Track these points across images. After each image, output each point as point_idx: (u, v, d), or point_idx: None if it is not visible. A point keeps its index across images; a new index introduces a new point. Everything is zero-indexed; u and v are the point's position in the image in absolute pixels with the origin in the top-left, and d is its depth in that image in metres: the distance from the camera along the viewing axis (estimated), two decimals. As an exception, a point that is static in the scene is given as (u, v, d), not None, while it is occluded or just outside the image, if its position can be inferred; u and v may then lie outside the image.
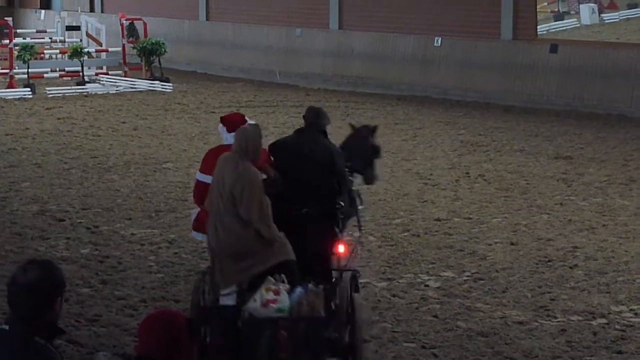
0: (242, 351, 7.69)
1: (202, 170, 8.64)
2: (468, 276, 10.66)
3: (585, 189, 14.73)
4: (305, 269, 8.08)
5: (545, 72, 24.16)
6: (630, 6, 23.41)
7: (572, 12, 24.38)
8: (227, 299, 7.91)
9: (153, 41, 25.62)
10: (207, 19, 30.91)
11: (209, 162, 8.48)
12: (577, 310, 9.57)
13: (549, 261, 11.14)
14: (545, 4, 24.70)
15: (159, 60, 25.85)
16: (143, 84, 25.26)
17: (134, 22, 27.00)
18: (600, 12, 23.98)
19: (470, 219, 13.00)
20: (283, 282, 7.92)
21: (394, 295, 10.10)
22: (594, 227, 12.53)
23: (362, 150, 9.33)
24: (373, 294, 10.10)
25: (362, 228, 9.25)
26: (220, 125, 8.74)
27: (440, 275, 10.70)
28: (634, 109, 22.32)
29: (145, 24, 26.88)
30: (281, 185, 8.34)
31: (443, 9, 26.66)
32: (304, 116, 8.79)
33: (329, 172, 8.52)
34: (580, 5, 24.31)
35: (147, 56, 25.63)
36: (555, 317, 9.45)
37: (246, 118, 8.74)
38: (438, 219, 12.98)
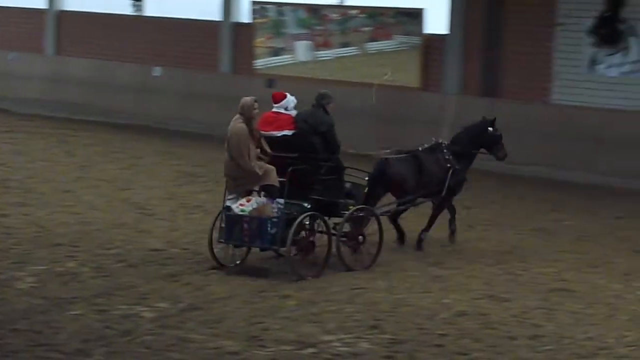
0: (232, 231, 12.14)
1: (260, 128, 12.52)
2: (183, 307, 10.70)
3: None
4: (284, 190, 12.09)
5: (263, 105, 24.60)
6: (343, 45, 24.30)
7: (288, 48, 25.04)
8: (230, 202, 12.34)
9: None
10: None
11: (263, 122, 12.59)
12: (288, 340, 9.79)
13: (262, 291, 11.34)
14: (263, 39, 25.24)
15: None
16: None
17: None
18: (315, 49, 24.75)
19: (187, 249, 13.05)
20: (264, 196, 12.22)
21: (107, 327, 9.98)
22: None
23: (478, 135, 14.17)
24: (85, 326, 9.95)
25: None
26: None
27: (155, 306, 10.67)
28: (344, 144, 23.10)
29: None
30: (268, 157, 12.31)
31: (163, 40, 26.73)
32: (315, 97, 12.80)
33: (318, 133, 12.44)
34: (296, 42, 25.01)
35: None
36: (267, 347, 9.63)
37: (286, 94, 12.75)
38: (154, 249, 12.96)
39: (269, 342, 9.74)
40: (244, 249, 12.44)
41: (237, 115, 12.39)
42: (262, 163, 12.24)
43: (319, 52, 24.71)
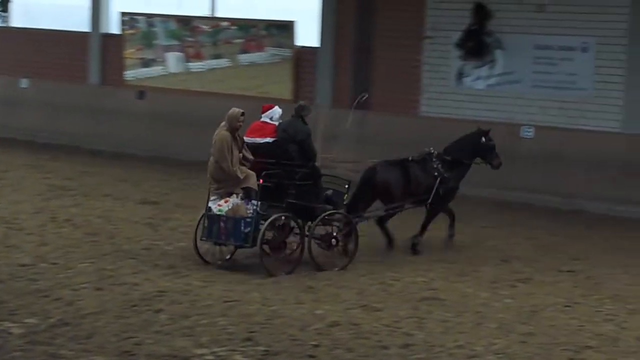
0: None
1: (246, 135, 13.65)
2: (53, 322, 10.51)
3: (171, 234, 15.04)
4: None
5: (133, 117, 24.45)
6: (215, 57, 24.26)
7: (159, 59, 24.87)
8: (211, 202, 13.33)
9: None
10: None
11: (250, 130, 13.72)
12: (160, 354, 9.71)
13: (134, 305, 11.23)
14: (133, 50, 25.01)
15: None
16: None
17: None
18: (186, 61, 24.65)
19: (57, 264, 12.84)
20: (242, 198, 13.17)
21: (-26, 345, 9.74)
22: (179, 272, 12.81)
23: (470, 145, 14.99)
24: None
25: None
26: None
27: (24, 322, 10.46)
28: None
29: None
30: (250, 163, 13.35)
31: (31, 51, 26.27)
32: (295, 108, 13.79)
33: (295, 142, 13.47)
34: (167, 54, 24.87)
35: None
36: (140, 362, 9.54)
37: (274, 105, 13.90)
38: (23, 265, 12.71)
39: (141, 357, 9.65)
40: (232, 247, 13.46)
41: (223, 123, 13.46)
42: (243, 167, 13.33)
43: (190, 64, 24.62)
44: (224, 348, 9.94)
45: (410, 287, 12.62)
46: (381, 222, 14.69)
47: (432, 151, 15.00)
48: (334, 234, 13.67)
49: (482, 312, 11.58)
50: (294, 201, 13.34)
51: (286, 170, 13.36)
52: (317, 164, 13.77)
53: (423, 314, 11.41)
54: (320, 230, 13.62)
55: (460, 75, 21.64)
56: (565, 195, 19.54)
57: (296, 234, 13.47)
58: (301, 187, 13.44)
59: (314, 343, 10.18)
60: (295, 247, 13.39)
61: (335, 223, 13.73)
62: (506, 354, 10.04)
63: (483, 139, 15.19)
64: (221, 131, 13.46)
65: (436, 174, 14.74)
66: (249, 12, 24.18)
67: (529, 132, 20.23)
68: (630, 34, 19.54)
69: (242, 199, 13.19)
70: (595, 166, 19.53)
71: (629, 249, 15.45)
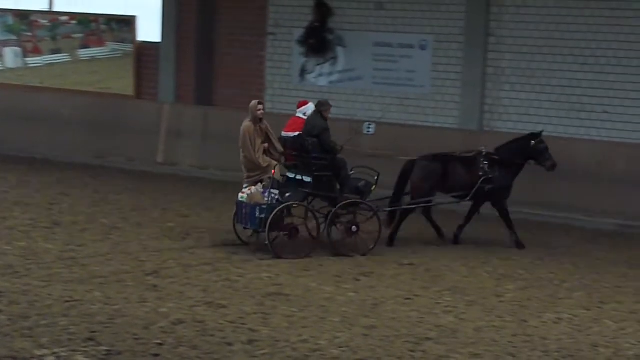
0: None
1: (283, 129, 15.03)
2: None
3: (9, 233, 14.69)
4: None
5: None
6: (54, 52, 23.80)
7: (-5, 54, 24.27)
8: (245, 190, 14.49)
9: None
10: None
11: (287, 125, 15.10)
12: (0, 356, 9.48)
13: (-29, 308, 10.93)
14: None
15: None
16: None
17: None
18: (24, 55, 24.10)
19: None
20: (265, 187, 14.31)
21: None
22: (18, 272, 12.52)
23: (520, 148, 15.52)
24: None
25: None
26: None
27: None
28: (57, 153, 22.68)
29: None
30: (279, 155, 14.71)
31: None
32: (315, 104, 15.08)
33: (313, 136, 14.59)
34: (5, 49, 24.26)
35: None
36: (-23, 365, 9.29)
37: (308, 101, 15.58)
38: None
39: (-21, 359, 9.40)
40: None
41: (249, 117, 14.69)
42: (266, 157, 14.54)
43: (28, 59, 24.07)
44: (65, 348, 9.76)
45: (255, 283, 12.64)
46: (427, 213, 15.61)
47: (483, 150, 15.52)
48: (354, 221, 14.57)
49: (326, 306, 11.69)
50: (310, 191, 14.52)
51: (304, 163, 14.60)
52: (339, 156, 14.73)
53: (268, 309, 11.45)
54: (342, 218, 14.62)
55: (303, 72, 21.80)
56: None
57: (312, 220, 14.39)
58: (319, 178, 14.48)
59: (158, 341, 10.10)
60: (308, 233, 14.33)
61: (356, 211, 14.66)
62: (349, 347, 10.16)
63: (533, 142, 15.58)
64: (244, 123, 14.63)
65: (481, 173, 15.31)
66: (89, 7, 23.79)
67: (370, 128, 20.51)
68: (467, 32, 20.02)
69: (264, 187, 14.26)
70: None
71: (466, 241, 15.82)
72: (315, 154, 14.56)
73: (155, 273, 12.90)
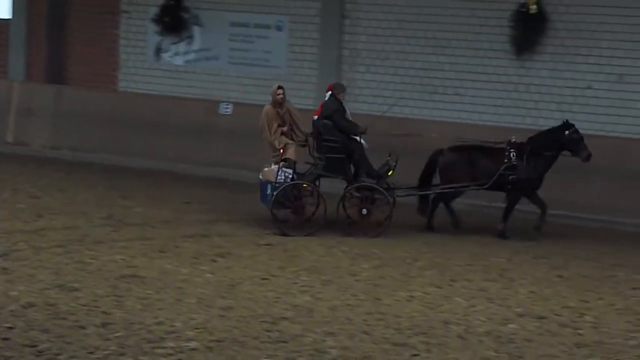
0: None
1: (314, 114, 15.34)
2: None
3: None
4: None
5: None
6: None
7: None
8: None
9: None
10: None
11: (318, 109, 15.35)
12: None
13: None
14: None
15: None
16: None
17: None
18: None
19: None
20: (280, 167, 14.97)
21: None
22: None
23: (552, 138, 15.34)
24: None
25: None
26: None
27: None
28: None
29: None
30: (302, 136, 15.34)
31: None
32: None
33: (326, 117, 15.00)
34: None
35: None
36: None
37: (331, 84, 15.64)
38: None
39: None
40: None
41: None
42: (283, 138, 15.08)
43: None
44: None
45: (109, 265, 12.47)
46: (448, 201, 15.60)
47: (513, 140, 15.42)
48: (365, 205, 14.99)
49: (183, 288, 11.62)
50: (321, 172, 15.06)
51: (316, 143, 15.08)
52: (358, 138, 15.00)
53: (122, 292, 11.30)
54: (353, 200, 15.10)
55: (159, 50, 21.56)
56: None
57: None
58: (331, 160, 14.94)
59: (7, 325, 9.87)
60: (315, 212, 15.02)
61: (368, 194, 15.03)
62: (205, 328, 10.12)
63: (567, 132, 15.35)
64: (266, 106, 15.28)
65: (506, 160, 15.23)
66: None
67: (227, 108, 20.44)
68: (322, 14, 20.11)
69: (280, 167, 14.86)
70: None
71: (324, 222, 15.93)
72: (327, 135, 14.93)
73: (5, 255, 12.59)
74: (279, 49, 20.54)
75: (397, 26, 19.55)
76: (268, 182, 15.00)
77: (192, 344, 9.63)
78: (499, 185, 15.41)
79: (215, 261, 13.08)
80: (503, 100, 18.68)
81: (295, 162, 15.06)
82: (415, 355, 9.63)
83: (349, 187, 15.12)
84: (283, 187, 14.82)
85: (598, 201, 16.60)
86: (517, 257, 14.27)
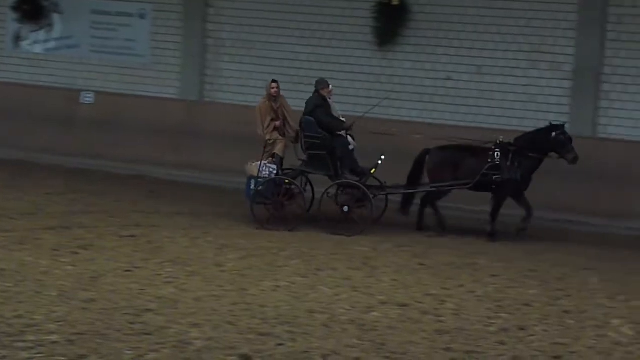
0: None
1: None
2: None
3: None
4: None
5: None
6: None
7: None
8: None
9: None
10: None
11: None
12: None
13: None
14: None
15: None
16: None
17: None
18: None
19: None
20: (269, 162, 15.13)
21: None
22: None
23: (538, 139, 15.17)
24: None
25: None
26: None
27: None
28: None
29: None
30: (293, 133, 15.31)
31: None
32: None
33: (308, 113, 15.03)
34: None
35: None
36: None
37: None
38: None
39: None
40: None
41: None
42: (275, 134, 15.21)
43: None
44: None
45: (-35, 258, 12.15)
46: (433, 201, 15.42)
47: (499, 140, 15.18)
48: (347, 202, 15.01)
49: (43, 281, 11.40)
50: (303, 169, 15.18)
51: (298, 140, 15.16)
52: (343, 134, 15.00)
53: (-20, 285, 11.04)
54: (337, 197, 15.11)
55: (18, 38, 21.09)
56: (126, 160, 19.66)
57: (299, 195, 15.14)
58: (312, 156, 14.99)
59: None
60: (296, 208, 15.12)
61: (349, 192, 15.06)
62: (67, 322, 9.95)
63: (554, 134, 15.14)
64: (260, 100, 15.49)
65: (489, 160, 15.06)
66: None
67: (88, 97, 20.13)
68: (186, 3, 19.98)
69: (264, 163, 14.99)
70: (156, 132, 19.82)
71: (189, 213, 15.85)
72: (308, 132, 14.93)
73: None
74: (142, 38, 20.31)
75: (263, 16, 19.54)
76: (252, 177, 15.09)
77: (53, 337, 9.46)
78: (484, 186, 15.34)
79: (76, 253, 12.87)
80: (366, 91, 18.85)
81: (282, 158, 15.22)
82: (279, 344, 9.65)
83: (331, 185, 15.14)
84: (264, 182, 14.98)
85: (458, 192, 16.90)
86: (380, 245, 14.45)
